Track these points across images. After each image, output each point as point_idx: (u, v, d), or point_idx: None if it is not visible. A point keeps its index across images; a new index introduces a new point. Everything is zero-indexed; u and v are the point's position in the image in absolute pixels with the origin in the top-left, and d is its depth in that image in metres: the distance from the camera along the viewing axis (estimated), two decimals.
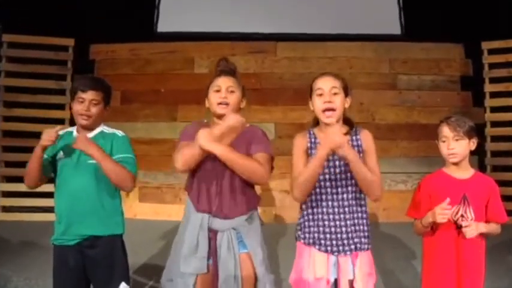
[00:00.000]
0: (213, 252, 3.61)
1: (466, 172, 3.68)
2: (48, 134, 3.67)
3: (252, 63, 8.82)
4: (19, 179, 7.83)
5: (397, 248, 6.57)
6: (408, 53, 9.12)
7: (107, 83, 3.99)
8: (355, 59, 9.09)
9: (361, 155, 3.55)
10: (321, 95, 3.52)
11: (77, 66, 8.68)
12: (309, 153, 3.59)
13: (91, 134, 3.86)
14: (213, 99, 3.69)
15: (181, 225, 3.77)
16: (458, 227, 3.57)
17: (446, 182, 3.66)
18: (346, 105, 3.58)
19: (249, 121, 3.70)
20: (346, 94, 3.58)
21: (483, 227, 3.54)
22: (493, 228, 3.62)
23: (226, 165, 3.55)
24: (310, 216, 3.60)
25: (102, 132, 3.91)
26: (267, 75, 8.86)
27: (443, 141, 3.63)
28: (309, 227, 3.60)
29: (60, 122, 7.99)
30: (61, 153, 3.85)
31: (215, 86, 3.71)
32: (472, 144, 3.62)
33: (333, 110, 3.49)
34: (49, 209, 7.39)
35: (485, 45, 8.59)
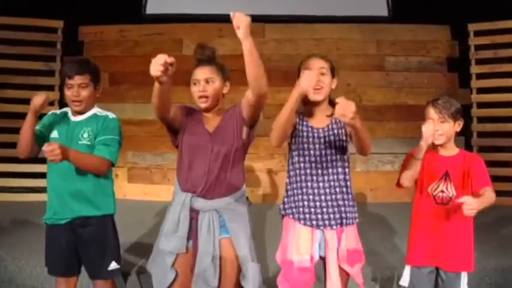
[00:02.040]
0: (193, 233, 3.63)
1: (451, 151, 3.76)
2: (38, 98, 3.75)
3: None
4: (8, 160, 7.88)
5: (383, 228, 6.63)
6: (395, 35, 9.17)
7: (93, 63, 3.99)
8: (343, 41, 9.14)
9: (344, 138, 3.66)
10: None
11: (66, 47, 8.71)
12: (296, 128, 3.69)
13: (84, 117, 3.90)
14: (193, 92, 3.70)
15: (169, 206, 3.79)
16: (438, 203, 3.69)
17: (431, 158, 3.74)
18: (333, 86, 3.68)
19: (237, 102, 3.76)
20: (333, 76, 3.69)
21: (478, 203, 3.35)
22: (487, 198, 3.50)
23: (217, 142, 3.61)
24: (295, 191, 3.67)
25: (95, 115, 3.92)
26: None
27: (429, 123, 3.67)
28: (295, 201, 3.66)
29: (49, 103, 7.99)
30: (55, 132, 3.89)
31: (193, 79, 3.70)
32: (458, 126, 3.70)
33: (320, 87, 3.60)
34: (39, 190, 7.46)
35: (472, 27, 8.65)
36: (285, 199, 3.75)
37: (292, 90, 3.48)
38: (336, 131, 3.66)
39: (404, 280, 3.86)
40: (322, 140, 3.64)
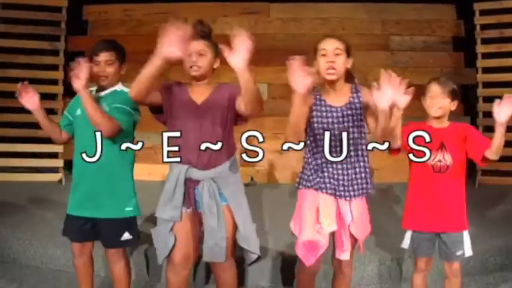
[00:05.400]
0: (191, 202, 3.81)
1: (443, 123, 4.00)
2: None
3: (245, 24, 8.81)
4: (11, 140, 7.87)
5: (389, 207, 6.66)
6: (400, 14, 9.16)
7: (118, 43, 4.25)
8: (348, 20, 9.13)
9: (361, 111, 3.78)
10: (324, 55, 3.73)
11: (71, 27, 8.74)
12: (312, 109, 3.77)
13: (105, 92, 4.04)
14: (186, 62, 3.85)
15: (167, 176, 3.93)
16: (436, 172, 3.92)
17: (426, 129, 3.79)
18: (348, 66, 3.80)
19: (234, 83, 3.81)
20: (349, 55, 3.81)
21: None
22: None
23: (206, 114, 3.77)
24: (316, 167, 3.82)
25: (115, 91, 4.07)
26: (260, 36, 8.77)
27: (430, 97, 3.95)
28: (312, 174, 3.81)
29: (53, 82, 8.06)
30: (79, 110, 3.99)
31: (188, 51, 3.79)
32: (453, 105, 3.97)
33: (334, 68, 3.70)
34: (42, 170, 7.46)
35: (477, 6, 8.59)
36: (305, 173, 3.87)
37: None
38: (354, 111, 3.77)
39: (405, 243, 4.12)
40: (340, 119, 3.76)
